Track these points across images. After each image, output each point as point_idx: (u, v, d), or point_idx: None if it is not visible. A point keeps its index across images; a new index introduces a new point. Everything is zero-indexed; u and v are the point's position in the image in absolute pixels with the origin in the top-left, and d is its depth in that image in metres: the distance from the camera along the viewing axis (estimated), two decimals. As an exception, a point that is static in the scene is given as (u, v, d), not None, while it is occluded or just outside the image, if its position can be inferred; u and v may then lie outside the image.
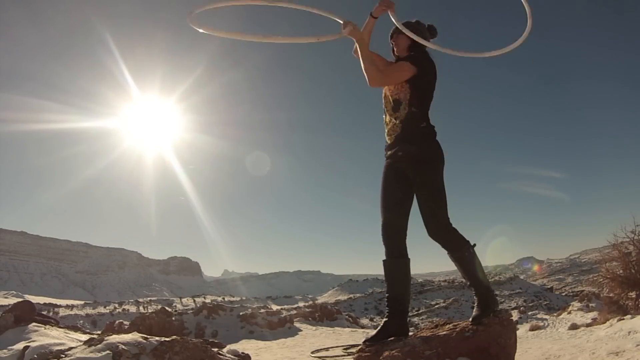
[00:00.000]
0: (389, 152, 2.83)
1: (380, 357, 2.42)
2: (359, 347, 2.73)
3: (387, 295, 2.72)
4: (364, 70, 2.66)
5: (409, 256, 2.76)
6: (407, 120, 2.72)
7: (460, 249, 2.65)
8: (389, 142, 2.83)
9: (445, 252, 2.72)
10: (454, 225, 2.68)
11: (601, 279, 10.12)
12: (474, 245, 2.69)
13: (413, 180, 2.68)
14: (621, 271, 9.39)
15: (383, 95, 2.90)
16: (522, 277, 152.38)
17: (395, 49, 2.91)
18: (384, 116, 2.89)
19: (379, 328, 2.67)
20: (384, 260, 2.73)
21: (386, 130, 2.86)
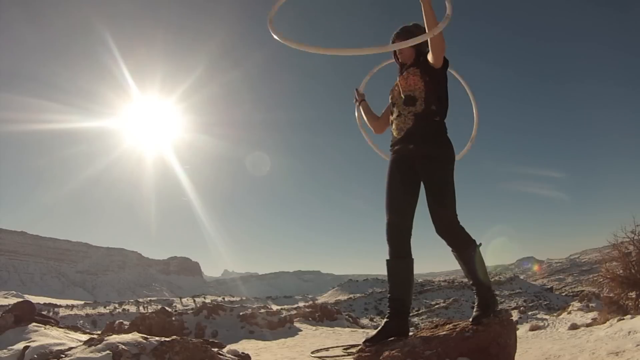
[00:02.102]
0: (396, 147, 2.78)
1: (380, 357, 2.41)
2: (359, 347, 2.72)
3: (388, 295, 2.70)
4: (437, 44, 2.53)
5: (413, 256, 2.75)
6: (422, 116, 2.69)
7: (466, 248, 2.62)
8: (397, 136, 2.78)
9: (448, 250, 2.69)
10: (461, 225, 2.65)
11: (601, 279, 10.13)
12: (480, 244, 2.66)
13: (422, 176, 2.65)
14: (621, 271, 9.39)
15: (392, 89, 2.88)
16: (522, 277, 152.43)
17: (399, 56, 2.89)
18: (392, 111, 2.86)
19: (379, 328, 2.66)
20: (387, 260, 2.70)
21: (394, 125, 2.82)
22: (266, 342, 9.27)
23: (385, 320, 2.67)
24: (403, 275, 2.69)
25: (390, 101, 2.92)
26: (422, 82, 2.71)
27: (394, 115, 2.83)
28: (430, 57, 2.65)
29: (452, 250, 2.68)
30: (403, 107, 2.75)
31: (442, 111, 2.72)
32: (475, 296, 2.66)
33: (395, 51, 2.91)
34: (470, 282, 2.67)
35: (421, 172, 2.66)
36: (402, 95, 2.76)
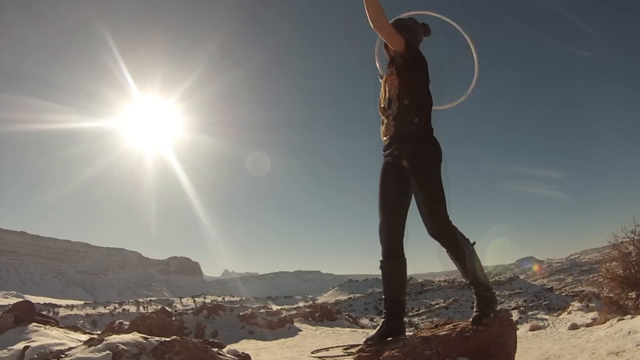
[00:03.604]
0: (386, 152, 2.80)
1: (380, 357, 2.42)
2: (359, 347, 2.73)
3: (384, 296, 2.71)
4: (367, 6, 2.50)
5: (407, 256, 2.74)
6: (399, 117, 2.69)
7: (460, 248, 2.61)
8: (384, 142, 2.81)
9: (445, 251, 2.69)
10: (454, 225, 2.65)
11: (601, 279, 10.14)
12: (474, 243, 2.64)
13: (411, 178, 2.65)
14: (621, 271, 9.39)
15: (384, 87, 2.84)
16: (522, 277, 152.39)
17: (390, 51, 2.85)
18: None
19: (379, 327, 2.66)
20: (381, 261, 2.70)
21: (381, 132, 2.83)
22: (266, 342, 9.28)
23: (382, 319, 2.68)
24: (397, 275, 2.70)
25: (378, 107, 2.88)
26: (397, 81, 2.72)
27: (381, 122, 2.83)
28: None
29: (447, 252, 2.66)
30: (384, 111, 2.78)
31: (418, 109, 2.69)
32: (474, 296, 2.65)
33: (386, 44, 2.83)
34: (468, 282, 2.66)
35: (410, 174, 2.66)
36: (385, 99, 2.77)
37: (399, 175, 2.72)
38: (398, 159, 2.71)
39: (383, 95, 2.83)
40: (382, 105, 2.80)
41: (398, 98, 2.70)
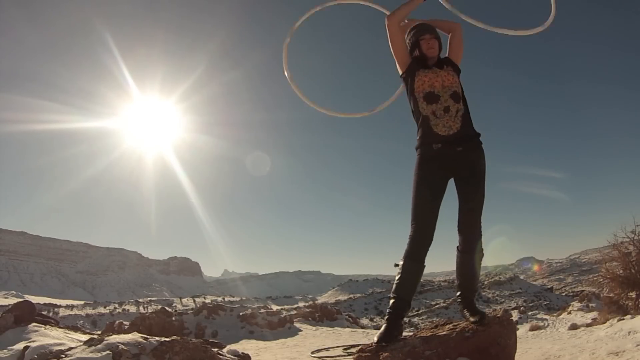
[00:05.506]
0: (439, 145, 2.68)
1: (380, 357, 2.41)
2: (361, 346, 2.72)
3: (395, 294, 2.68)
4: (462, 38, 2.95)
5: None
6: (468, 118, 2.76)
7: (481, 250, 2.80)
8: (443, 133, 2.67)
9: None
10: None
11: (601, 279, 10.15)
12: None
13: (469, 181, 2.72)
14: (621, 271, 9.39)
15: (426, 81, 2.75)
16: (522, 277, 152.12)
17: (429, 51, 2.82)
18: (426, 104, 2.72)
19: (388, 326, 2.61)
20: (407, 262, 2.69)
21: (438, 121, 2.68)
22: (266, 342, 9.29)
23: (388, 318, 2.65)
24: (414, 278, 2.72)
25: (418, 88, 2.76)
26: (460, 85, 2.80)
27: (434, 107, 2.70)
28: (456, 54, 2.90)
29: (464, 253, 2.78)
30: (452, 101, 2.70)
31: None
32: (464, 298, 2.76)
33: (420, 44, 2.84)
34: (466, 284, 2.79)
35: (468, 177, 2.72)
36: (450, 90, 2.72)
37: (441, 181, 2.74)
38: (457, 156, 2.68)
39: (441, 81, 2.73)
40: (449, 93, 2.71)
41: (464, 104, 2.76)
